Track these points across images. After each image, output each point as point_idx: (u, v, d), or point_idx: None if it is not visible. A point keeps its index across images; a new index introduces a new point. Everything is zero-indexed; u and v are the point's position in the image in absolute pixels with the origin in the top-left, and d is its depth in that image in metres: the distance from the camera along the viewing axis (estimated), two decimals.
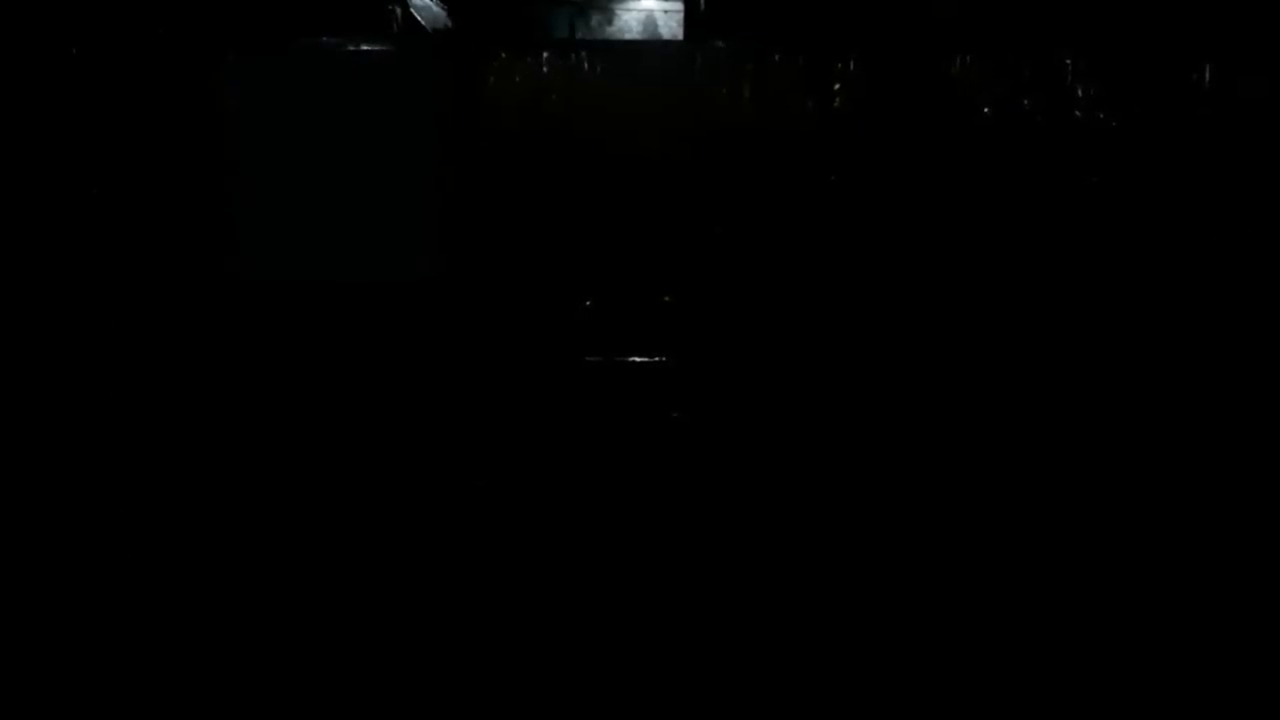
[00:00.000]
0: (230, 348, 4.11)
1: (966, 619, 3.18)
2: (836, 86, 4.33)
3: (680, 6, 9.45)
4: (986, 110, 4.29)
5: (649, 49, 5.48)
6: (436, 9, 6.89)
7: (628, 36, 9.81)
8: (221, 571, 3.41)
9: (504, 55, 4.38)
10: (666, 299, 4.35)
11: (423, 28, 6.50)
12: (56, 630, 3.06)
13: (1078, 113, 4.25)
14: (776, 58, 4.36)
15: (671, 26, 10.03)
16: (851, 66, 4.34)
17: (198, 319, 4.14)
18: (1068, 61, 4.27)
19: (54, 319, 4.10)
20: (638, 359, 4.27)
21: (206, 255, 4.18)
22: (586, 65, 4.40)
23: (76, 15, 4.20)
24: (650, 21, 9.89)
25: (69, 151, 4.21)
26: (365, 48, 4.38)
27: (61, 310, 4.11)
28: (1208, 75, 4.10)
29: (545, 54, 4.39)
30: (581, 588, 3.36)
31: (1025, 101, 4.29)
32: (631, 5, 10.40)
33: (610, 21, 9.79)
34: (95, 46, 4.17)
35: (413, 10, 6.49)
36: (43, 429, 3.94)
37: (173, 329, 4.14)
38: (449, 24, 6.93)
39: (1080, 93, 4.26)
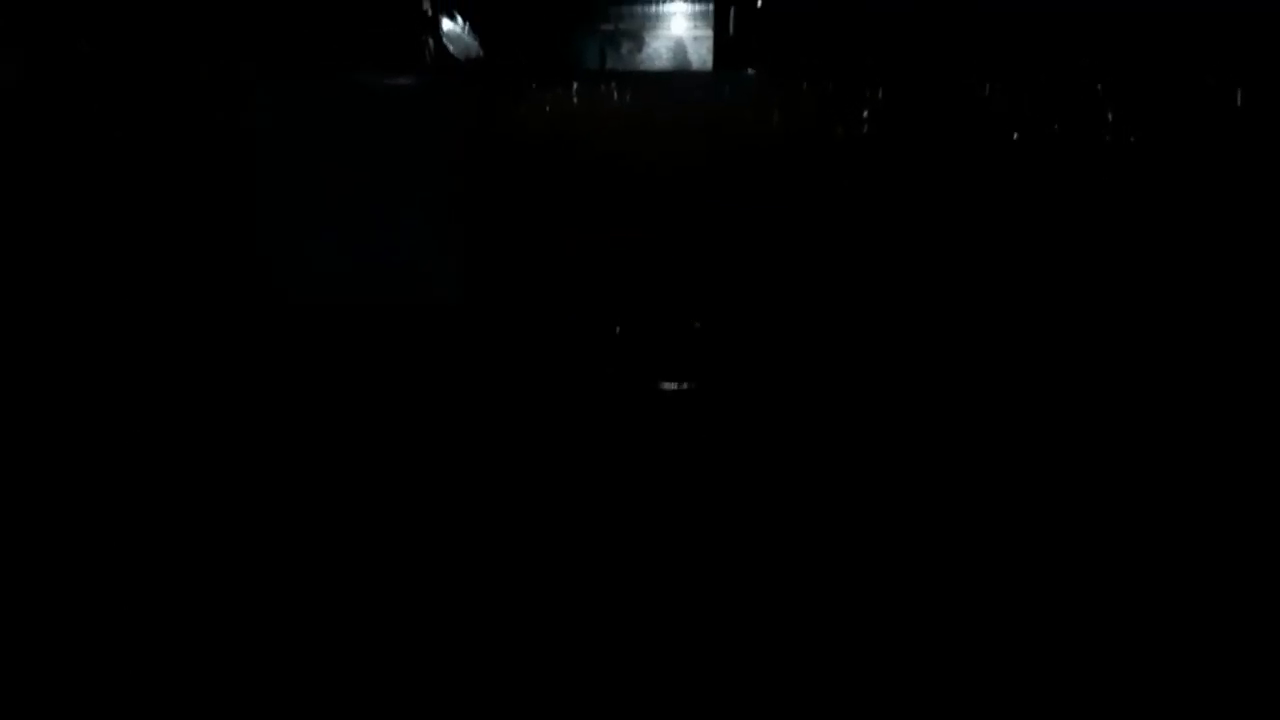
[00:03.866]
0: (264, 362, 4.17)
1: (971, 630, 3.15)
2: (865, 113, 4.35)
3: (710, 34, 9.56)
4: (1016, 135, 4.29)
5: (678, 79, 5.54)
6: (468, 39, 7.00)
7: (658, 64, 9.92)
8: (263, 573, 3.45)
9: (534, 86, 4.44)
10: (696, 325, 4.36)
11: (454, 58, 6.60)
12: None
13: (1108, 137, 4.24)
14: (805, 85, 4.39)
15: (701, 53, 10.12)
16: (880, 93, 4.36)
17: (234, 335, 4.21)
18: (1098, 86, 4.26)
19: (103, 333, 4.18)
20: (668, 385, 4.27)
21: (248, 276, 4.25)
22: (616, 95, 4.45)
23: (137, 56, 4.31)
24: (680, 48, 10.00)
25: (121, 180, 4.30)
26: (399, 80, 4.45)
27: (110, 324, 4.19)
28: (1239, 97, 4.08)
29: (575, 84, 4.45)
30: (607, 615, 3.36)
31: (1055, 126, 4.29)
32: (661, 33, 10.52)
33: (640, 49, 9.90)
34: (151, 85, 4.27)
35: (445, 40, 6.60)
36: (90, 434, 4.01)
37: (213, 343, 4.20)
38: (480, 53, 7.03)
39: (1110, 116, 4.25)
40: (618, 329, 4.39)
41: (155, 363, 4.19)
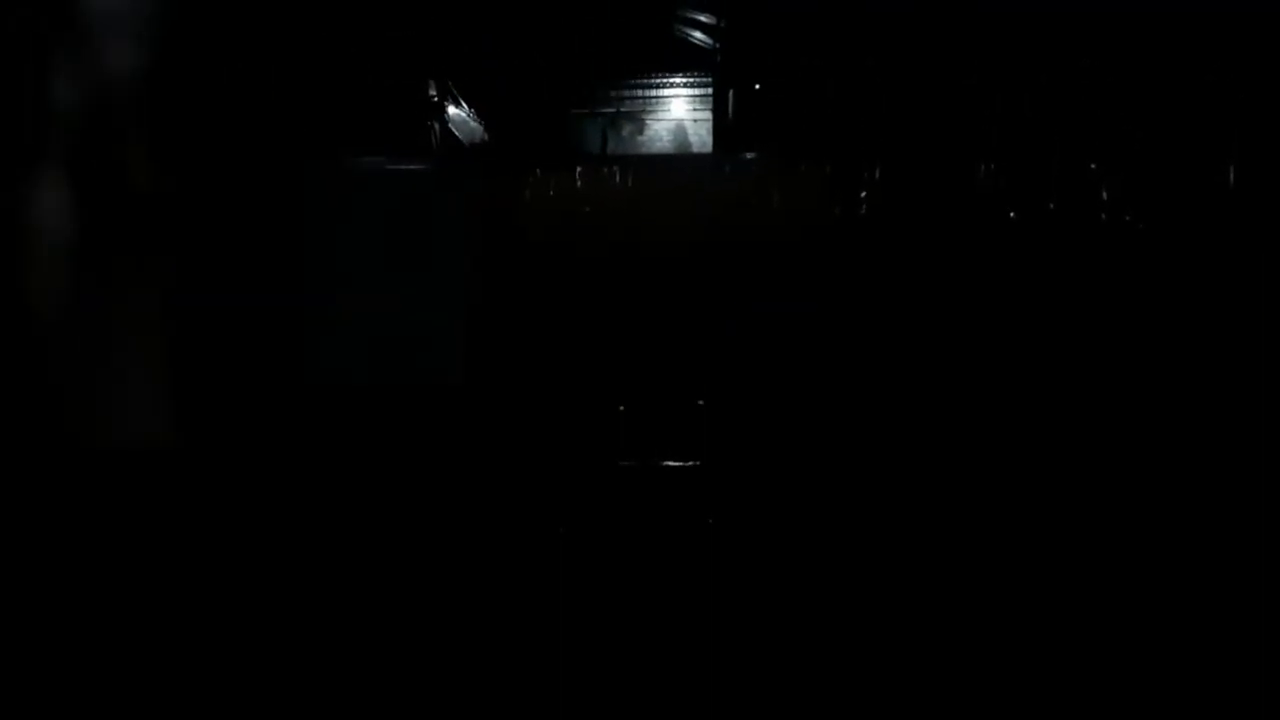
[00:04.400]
0: (271, 441, 4.17)
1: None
2: (863, 194, 4.41)
3: (709, 116, 9.74)
4: (1012, 215, 4.34)
5: (679, 162, 5.62)
6: (474, 124, 7.14)
7: (658, 146, 10.09)
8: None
9: (539, 172, 4.52)
10: (700, 403, 4.37)
11: (460, 142, 6.72)
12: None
13: (1103, 215, 4.29)
14: (803, 167, 4.47)
15: (701, 135, 10.30)
16: (877, 174, 4.43)
17: (243, 414, 4.22)
18: (1092, 165, 4.32)
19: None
20: (673, 463, 4.27)
21: (253, 357, 4.28)
22: (618, 178, 4.52)
23: None
24: (680, 130, 10.17)
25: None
26: (405, 165, 4.53)
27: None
28: (1232, 176, 4.13)
29: (578, 169, 4.52)
30: (617, 696, 3.32)
31: (1051, 205, 4.34)
32: (662, 115, 10.72)
33: (641, 131, 10.07)
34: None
35: (450, 126, 6.72)
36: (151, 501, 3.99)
37: (219, 421, 4.21)
38: (485, 137, 7.16)
39: (1106, 195, 4.29)
40: (621, 408, 4.40)
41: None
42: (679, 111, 10.33)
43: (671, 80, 10.12)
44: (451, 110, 6.54)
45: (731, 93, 7.13)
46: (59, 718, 3.22)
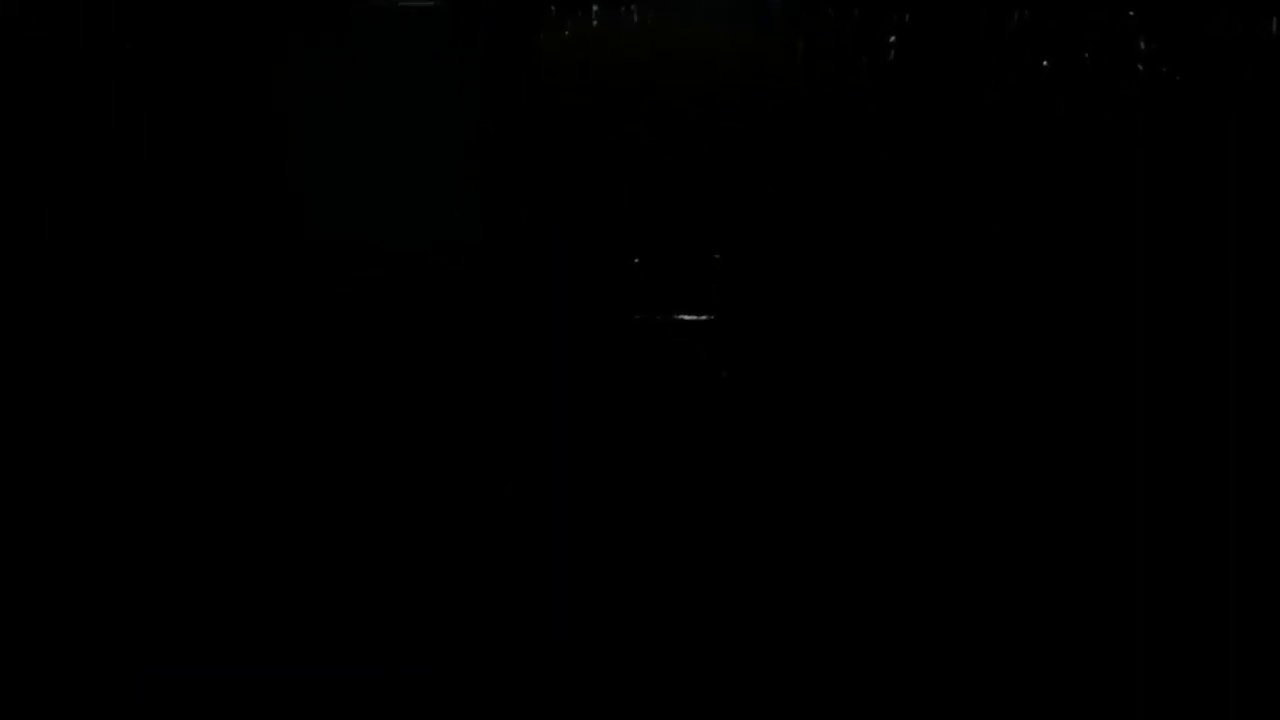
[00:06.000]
0: (286, 299, 4.14)
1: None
2: (891, 40, 4.27)
3: None
4: (1045, 64, 4.21)
5: (701, 2, 5.43)
6: None
7: None
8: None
9: (553, 9, 4.36)
10: (716, 257, 4.33)
11: None
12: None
13: (1140, 66, 4.16)
14: (830, 11, 4.31)
15: None
16: (907, 20, 4.27)
17: (256, 271, 4.19)
18: (1130, 13, 4.17)
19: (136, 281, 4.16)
20: (686, 317, 4.25)
21: (268, 213, 4.22)
22: (637, 18, 4.36)
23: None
24: None
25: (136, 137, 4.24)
26: (415, 4, 4.38)
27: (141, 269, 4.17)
28: (1274, 26, 3.99)
29: (595, 7, 4.37)
30: (619, 551, 3.37)
31: (1085, 55, 4.21)
32: None
33: None
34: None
35: None
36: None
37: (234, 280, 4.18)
38: None
39: (1143, 45, 4.16)
40: (636, 261, 4.37)
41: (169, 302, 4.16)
42: None
43: None
44: None
45: None
46: None
